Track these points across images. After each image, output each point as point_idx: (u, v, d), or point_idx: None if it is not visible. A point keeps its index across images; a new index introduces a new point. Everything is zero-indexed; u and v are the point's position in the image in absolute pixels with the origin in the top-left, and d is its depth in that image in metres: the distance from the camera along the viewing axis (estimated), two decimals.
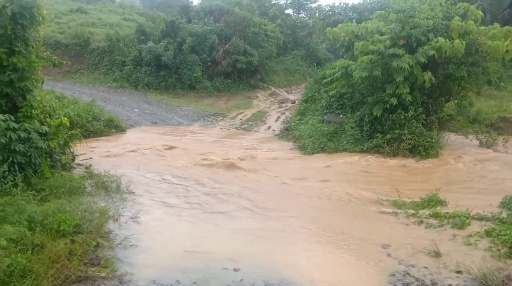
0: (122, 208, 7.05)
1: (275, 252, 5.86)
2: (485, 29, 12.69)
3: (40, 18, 7.58)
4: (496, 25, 12.94)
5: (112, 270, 5.01)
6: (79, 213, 5.94)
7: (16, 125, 6.89)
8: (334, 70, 14.26)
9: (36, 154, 7.24)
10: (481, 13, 13.25)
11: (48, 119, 8.21)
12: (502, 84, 19.97)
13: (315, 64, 29.13)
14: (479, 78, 13.56)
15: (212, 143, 14.15)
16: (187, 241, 6.13)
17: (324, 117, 15.08)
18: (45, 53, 8.41)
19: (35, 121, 7.51)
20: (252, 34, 25.19)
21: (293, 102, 22.22)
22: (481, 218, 6.95)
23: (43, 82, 8.40)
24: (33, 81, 7.67)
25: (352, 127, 13.48)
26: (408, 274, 5.25)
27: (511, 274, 4.98)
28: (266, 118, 19.28)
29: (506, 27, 12.75)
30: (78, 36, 26.28)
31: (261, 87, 25.60)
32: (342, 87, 14.75)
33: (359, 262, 5.68)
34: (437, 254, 5.69)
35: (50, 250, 4.80)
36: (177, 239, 6.20)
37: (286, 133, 16.00)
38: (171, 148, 12.58)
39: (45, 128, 7.75)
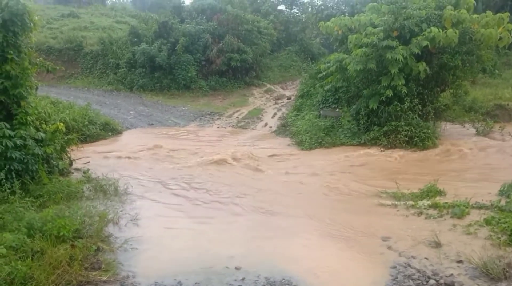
0: (121, 210, 7.04)
1: (276, 248, 5.86)
2: (478, 17, 12.70)
3: (32, 24, 7.54)
4: (489, 13, 12.96)
5: (114, 273, 5.00)
6: (79, 217, 5.92)
7: (11, 133, 6.94)
8: (329, 64, 14.25)
9: (33, 161, 7.22)
10: (473, 1, 13.24)
11: (43, 125, 8.21)
12: (496, 71, 19.96)
13: (309, 59, 29.12)
14: (473, 67, 13.61)
15: (210, 143, 14.13)
16: (188, 242, 6.12)
17: (321, 112, 15.09)
18: (38, 59, 8.38)
19: (31, 127, 7.50)
20: (245, 31, 25.14)
21: (289, 98, 22.20)
22: (480, 207, 6.95)
23: (37, 88, 8.38)
24: (27, 87, 7.64)
25: (348, 121, 13.51)
26: (409, 265, 5.26)
27: (511, 261, 4.99)
28: (262, 115, 19.27)
29: (498, 15, 12.77)
30: (71, 41, 26.26)
31: (256, 84, 25.56)
32: (337, 81, 14.77)
33: (360, 255, 5.69)
34: (437, 245, 5.70)
35: (50, 256, 4.79)
36: (178, 240, 6.19)
37: (283, 129, 15.99)
38: (167, 149, 12.56)
39: (41, 134, 7.74)
